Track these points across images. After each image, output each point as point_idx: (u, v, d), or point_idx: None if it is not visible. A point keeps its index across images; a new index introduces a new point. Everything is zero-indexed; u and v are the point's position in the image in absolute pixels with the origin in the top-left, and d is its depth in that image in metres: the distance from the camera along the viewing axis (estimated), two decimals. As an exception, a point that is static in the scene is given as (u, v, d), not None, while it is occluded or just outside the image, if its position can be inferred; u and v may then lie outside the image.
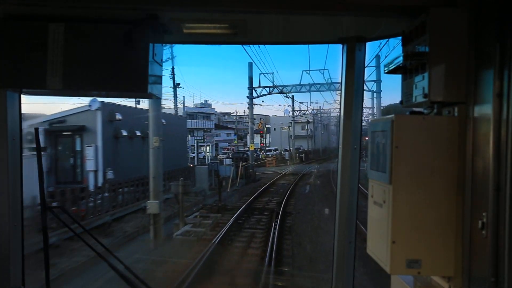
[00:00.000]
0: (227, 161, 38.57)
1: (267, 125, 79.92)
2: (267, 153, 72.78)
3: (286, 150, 68.94)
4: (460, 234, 1.76)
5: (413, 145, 1.80)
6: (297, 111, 65.39)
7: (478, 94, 1.66)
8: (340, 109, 2.72)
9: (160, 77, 2.33)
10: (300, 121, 72.95)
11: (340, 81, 2.72)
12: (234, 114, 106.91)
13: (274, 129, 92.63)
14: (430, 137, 1.80)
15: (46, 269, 2.33)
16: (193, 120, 75.71)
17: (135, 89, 2.16)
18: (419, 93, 1.87)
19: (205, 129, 77.74)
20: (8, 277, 2.28)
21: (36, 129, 2.35)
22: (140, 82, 2.12)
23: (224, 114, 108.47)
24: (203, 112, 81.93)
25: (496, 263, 1.53)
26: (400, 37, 2.07)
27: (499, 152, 1.52)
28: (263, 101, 59.60)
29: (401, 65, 2.03)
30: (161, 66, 2.31)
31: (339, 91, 2.74)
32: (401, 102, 2.13)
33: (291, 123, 67.21)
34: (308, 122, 76.73)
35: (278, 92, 41.77)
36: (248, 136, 38.07)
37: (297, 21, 2.41)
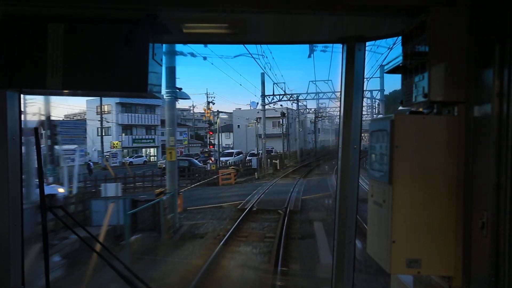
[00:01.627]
0: (110, 189, 15.99)
1: (220, 113, 55.43)
2: (225, 159, 46.97)
3: (253, 154, 45.62)
4: (460, 233, 1.76)
5: (413, 144, 1.80)
6: (269, 96, 42.74)
7: (478, 93, 1.66)
8: (340, 109, 2.72)
9: (160, 77, 2.33)
10: (276, 109, 52.42)
11: (340, 80, 2.72)
12: (191, 109, 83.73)
13: (238, 126, 69.39)
14: (430, 137, 1.80)
15: (46, 269, 2.33)
16: (129, 114, 57.73)
17: (135, 89, 2.16)
18: (419, 93, 1.87)
19: (148, 126, 60.18)
20: (8, 277, 2.28)
21: (36, 129, 2.35)
22: (140, 81, 2.12)
23: (183, 110, 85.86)
24: (143, 103, 57.76)
25: (496, 263, 1.53)
26: (400, 37, 2.08)
27: (499, 152, 1.53)
28: (204, 57, 23.03)
29: (400, 64, 2.03)
30: (161, 66, 2.31)
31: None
32: (401, 101, 2.13)
33: (259, 117, 46.14)
34: (283, 115, 53.92)
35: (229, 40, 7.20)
36: (166, 131, 17.24)
37: (296, 21, 2.41)
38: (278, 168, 42.02)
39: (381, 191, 1.89)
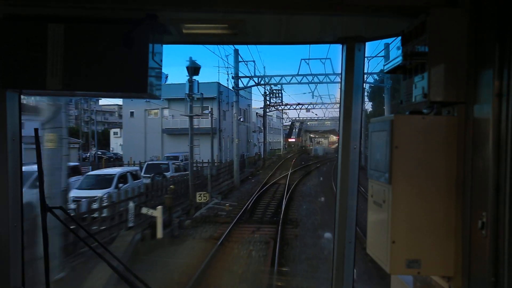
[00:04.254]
0: None
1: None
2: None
3: (102, 182, 18.75)
4: (459, 234, 1.76)
5: (413, 145, 1.80)
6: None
7: (478, 94, 1.67)
8: (339, 109, 2.73)
9: (160, 77, 2.34)
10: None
11: (340, 81, 2.73)
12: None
13: (132, 113, 41.17)
14: (430, 137, 1.80)
15: (46, 269, 2.33)
16: None
17: (134, 89, 2.16)
18: (419, 93, 1.87)
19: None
20: (8, 277, 2.28)
21: (36, 129, 2.35)
22: (140, 82, 2.12)
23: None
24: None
25: (496, 263, 1.53)
26: (400, 37, 2.08)
27: (499, 152, 1.53)
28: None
29: (400, 64, 2.04)
30: (161, 66, 2.32)
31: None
32: (400, 101, 2.13)
33: (170, 98, 24.89)
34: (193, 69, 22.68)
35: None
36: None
37: (296, 21, 2.41)
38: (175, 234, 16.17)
39: (381, 191, 1.90)
